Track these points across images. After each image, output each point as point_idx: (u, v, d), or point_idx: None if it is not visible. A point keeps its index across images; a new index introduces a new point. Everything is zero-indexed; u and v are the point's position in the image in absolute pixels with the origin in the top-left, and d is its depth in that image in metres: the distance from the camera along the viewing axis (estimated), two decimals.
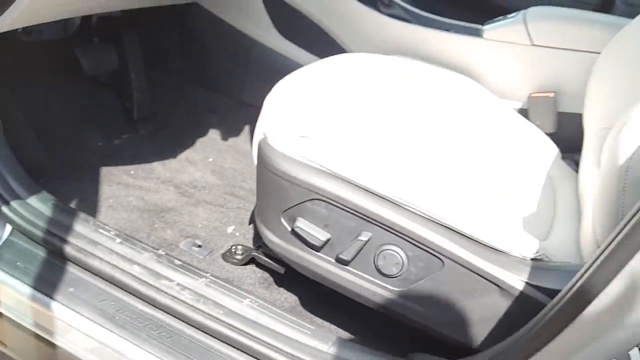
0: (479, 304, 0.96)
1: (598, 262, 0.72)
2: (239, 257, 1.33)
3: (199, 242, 1.39)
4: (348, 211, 1.00)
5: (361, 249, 1.02)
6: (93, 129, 1.76)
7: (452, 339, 1.01)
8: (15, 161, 1.29)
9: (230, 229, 1.46)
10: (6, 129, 1.32)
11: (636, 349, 0.70)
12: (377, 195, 0.99)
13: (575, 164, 1.34)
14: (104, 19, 1.81)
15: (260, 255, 1.29)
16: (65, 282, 1.13)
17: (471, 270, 0.95)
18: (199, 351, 1.04)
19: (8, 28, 1.16)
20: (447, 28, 1.67)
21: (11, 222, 1.20)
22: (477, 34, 1.58)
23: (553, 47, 1.48)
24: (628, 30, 1.28)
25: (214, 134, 1.86)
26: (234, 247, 1.36)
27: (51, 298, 1.11)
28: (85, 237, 1.18)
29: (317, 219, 1.04)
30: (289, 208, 1.06)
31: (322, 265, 1.07)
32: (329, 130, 1.10)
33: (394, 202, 0.99)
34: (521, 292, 0.93)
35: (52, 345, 1.12)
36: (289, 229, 1.07)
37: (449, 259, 0.96)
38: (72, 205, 1.43)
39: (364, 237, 1.01)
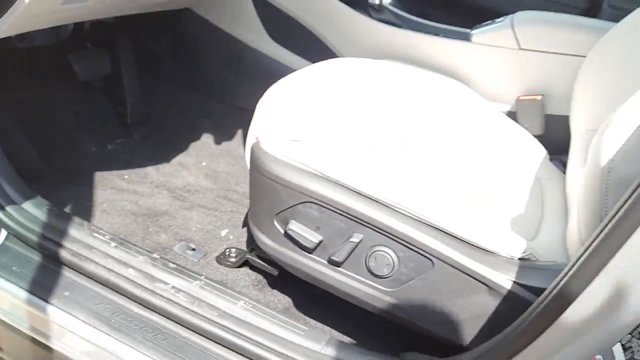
0: (468, 303, 0.98)
1: (581, 260, 0.74)
2: (232, 259, 1.34)
3: (193, 246, 1.41)
4: (339, 213, 1.02)
5: (353, 250, 1.04)
6: (87, 134, 1.77)
7: (443, 338, 1.03)
8: (10, 167, 1.30)
9: (224, 232, 1.47)
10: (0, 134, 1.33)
11: (619, 345, 0.73)
12: (368, 197, 1.01)
13: (562, 165, 1.37)
14: (97, 24, 1.82)
15: (253, 258, 1.31)
16: (60, 286, 1.15)
17: (460, 270, 0.97)
18: (194, 353, 1.06)
19: (3, 35, 1.17)
20: (437, 32, 1.70)
21: (6, 227, 1.21)
22: (466, 38, 1.61)
23: (540, 51, 1.51)
24: (612, 34, 1.31)
25: (207, 138, 1.87)
26: (227, 250, 1.37)
27: (47, 302, 1.12)
28: (80, 241, 1.19)
29: (310, 222, 1.06)
30: (281, 211, 1.08)
31: (315, 266, 1.09)
32: (321, 134, 1.12)
33: (384, 204, 1.01)
34: (509, 291, 0.95)
35: (48, 348, 1.13)
36: (282, 232, 1.09)
37: (439, 259, 0.98)
38: (67, 210, 1.44)
39: (355, 239, 1.03)
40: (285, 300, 1.27)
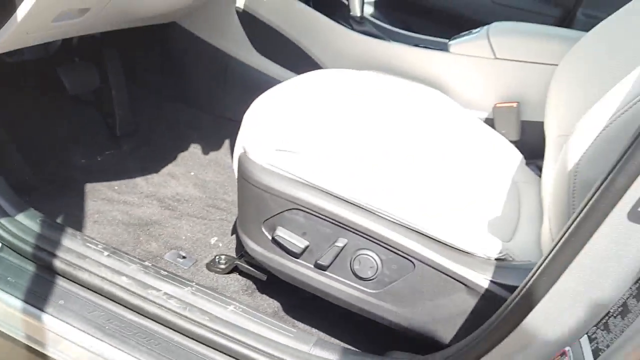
0: (448, 303, 1.03)
1: (549, 258, 0.79)
2: (222, 266, 1.38)
3: (183, 254, 1.44)
4: (324, 219, 1.07)
5: (338, 254, 1.08)
6: (76, 146, 1.81)
7: (425, 336, 1.08)
8: (2, 179, 1.33)
9: (213, 240, 1.51)
10: None
11: (586, 336, 0.78)
12: (351, 203, 1.06)
13: (538, 169, 1.43)
14: (85, 38, 1.86)
15: (243, 264, 1.35)
16: (55, 295, 1.18)
17: (440, 271, 1.02)
18: (187, 356, 1.09)
19: None
20: (417, 43, 1.75)
21: (0, 238, 1.24)
22: (445, 48, 1.67)
23: (515, 60, 1.57)
24: (582, 43, 1.37)
25: (195, 149, 1.91)
26: (217, 257, 1.41)
27: (42, 310, 1.15)
28: (74, 251, 1.22)
29: (296, 228, 1.10)
30: (269, 218, 1.12)
31: (302, 271, 1.13)
32: (306, 143, 1.17)
33: (367, 210, 1.05)
34: (486, 290, 1.00)
35: (44, 356, 1.16)
36: (270, 238, 1.13)
37: (419, 261, 1.03)
38: (59, 220, 1.47)
39: (340, 243, 1.07)
40: (274, 304, 1.31)
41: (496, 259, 1.03)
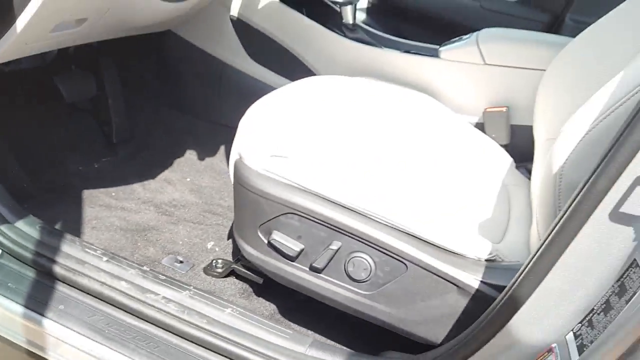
0: (440, 303, 1.06)
1: (535, 258, 0.82)
2: (219, 270, 1.41)
3: (180, 258, 1.46)
4: (319, 223, 1.09)
5: (332, 257, 1.10)
6: (73, 154, 1.82)
7: (418, 337, 1.10)
8: (1, 187, 1.35)
9: (210, 245, 1.53)
10: None
11: (571, 333, 0.81)
12: (345, 207, 1.08)
13: (528, 172, 1.46)
14: (81, 47, 1.87)
15: (239, 268, 1.37)
16: (55, 300, 1.20)
17: (432, 272, 1.05)
18: (185, 359, 1.11)
19: None
20: (408, 49, 1.79)
21: (1, 245, 1.26)
22: (435, 54, 1.70)
23: (504, 66, 1.61)
24: (569, 48, 1.40)
25: (191, 155, 1.94)
26: (214, 261, 1.43)
27: (43, 315, 1.17)
28: (73, 257, 1.25)
29: (291, 231, 1.13)
30: (264, 222, 1.14)
31: (298, 274, 1.15)
32: (300, 149, 1.20)
33: (360, 213, 1.08)
34: (477, 290, 1.03)
35: None
36: (266, 242, 1.16)
37: (412, 262, 1.05)
38: (57, 227, 1.49)
39: (334, 246, 1.10)
40: (271, 307, 1.34)
41: (486, 260, 1.06)
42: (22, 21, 1.13)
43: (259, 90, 1.58)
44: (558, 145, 0.93)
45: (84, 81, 1.86)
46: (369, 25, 2.05)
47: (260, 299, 1.36)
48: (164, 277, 1.24)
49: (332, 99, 1.42)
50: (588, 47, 1.32)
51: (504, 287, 0.98)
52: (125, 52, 1.94)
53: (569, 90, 1.25)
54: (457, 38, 1.73)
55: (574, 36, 1.41)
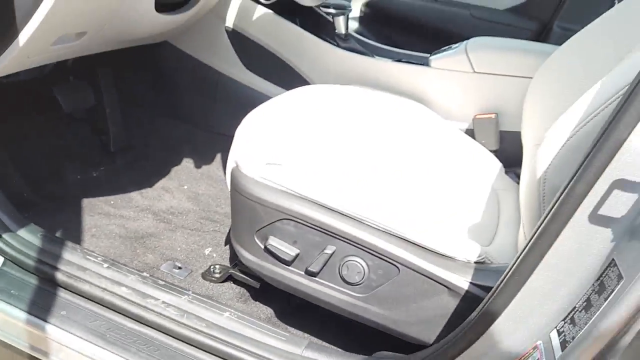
0: (431, 304, 1.10)
1: (519, 260, 0.86)
2: (217, 275, 1.44)
3: (179, 264, 1.50)
4: (314, 228, 1.13)
5: (327, 261, 1.14)
6: (72, 163, 1.85)
7: (410, 337, 1.14)
8: (4, 197, 1.38)
9: (207, 251, 1.57)
10: None
11: (555, 330, 0.84)
12: (338, 213, 1.12)
13: (517, 177, 1.49)
14: (79, 58, 1.91)
15: (237, 272, 1.41)
16: (57, 306, 1.23)
17: (423, 275, 1.08)
18: None
19: None
20: (400, 58, 1.83)
21: (3, 253, 1.29)
22: (426, 63, 1.74)
23: (492, 74, 1.65)
24: (555, 56, 1.45)
25: (187, 163, 1.97)
26: (212, 267, 1.47)
27: (45, 321, 1.20)
28: (75, 263, 1.28)
29: (287, 237, 1.16)
30: (261, 228, 1.18)
31: (294, 278, 1.19)
32: (295, 157, 1.23)
33: (353, 218, 1.12)
34: (467, 291, 1.07)
35: None
36: (262, 247, 1.19)
37: (404, 265, 1.09)
38: (58, 235, 1.52)
39: (329, 251, 1.13)
40: (268, 311, 1.37)
41: (475, 262, 1.10)
42: (24, 35, 1.16)
43: (255, 99, 1.62)
44: (542, 151, 0.97)
45: (81, 92, 1.89)
46: (362, 34, 2.09)
47: (258, 303, 1.39)
48: (164, 283, 1.27)
49: (326, 108, 1.46)
50: (573, 55, 1.36)
51: (492, 287, 1.02)
52: (122, 63, 1.98)
53: (554, 97, 1.29)
54: (447, 47, 1.77)
55: (561, 44, 1.46)
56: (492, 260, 1.11)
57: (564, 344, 0.80)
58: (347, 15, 1.84)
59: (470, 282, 1.07)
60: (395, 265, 1.10)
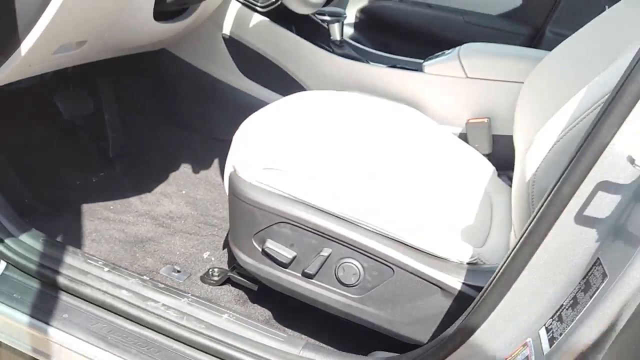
0: (425, 304, 1.12)
1: (509, 259, 0.89)
2: (215, 278, 1.46)
3: (178, 268, 1.52)
4: (310, 231, 1.16)
5: (323, 263, 1.16)
6: (72, 169, 1.88)
7: (405, 337, 1.16)
8: (6, 202, 1.41)
9: (205, 255, 1.59)
10: None
11: (544, 328, 0.87)
12: (334, 215, 1.15)
13: (509, 180, 1.52)
14: (78, 66, 1.94)
15: (235, 275, 1.43)
16: (59, 309, 1.25)
17: (417, 276, 1.11)
18: None
19: (0, 84, 1.30)
20: (394, 64, 1.86)
21: (6, 258, 1.32)
22: (419, 69, 1.78)
23: (485, 79, 1.68)
24: (546, 61, 1.47)
25: (186, 168, 2.00)
26: (210, 270, 1.49)
27: (47, 324, 1.22)
28: (76, 267, 1.30)
29: (284, 240, 1.19)
30: (258, 231, 1.20)
31: (291, 280, 1.21)
32: (292, 162, 1.26)
33: (349, 221, 1.14)
34: (459, 292, 1.09)
35: None
36: (260, 250, 1.21)
37: (398, 267, 1.12)
38: (59, 240, 1.54)
39: (325, 253, 1.16)
40: (266, 313, 1.40)
41: (468, 263, 1.12)
42: (26, 44, 1.19)
43: (252, 105, 1.65)
44: (530, 154, 1.00)
45: (81, 99, 1.92)
46: (357, 40, 2.13)
47: (256, 305, 1.41)
48: (163, 286, 1.29)
49: (322, 113, 1.49)
50: (563, 61, 1.39)
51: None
52: (121, 70, 2.00)
53: (544, 101, 1.32)
54: (440, 52, 1.80)
55: (553, 49, 1.49)
56: (484, 261, 1.14)
57: (552, 341, 0.83)
58: (342, 22, 1.87)
59: (463, 283, 1.10)
60: (389, 267, 1.13)
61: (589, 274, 0.82)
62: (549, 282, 0.86)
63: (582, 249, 0.83)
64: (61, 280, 1.28)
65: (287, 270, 1.21)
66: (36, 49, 1.22)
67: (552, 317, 0.86)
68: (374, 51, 1.96)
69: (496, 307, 0.91)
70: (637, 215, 0.78)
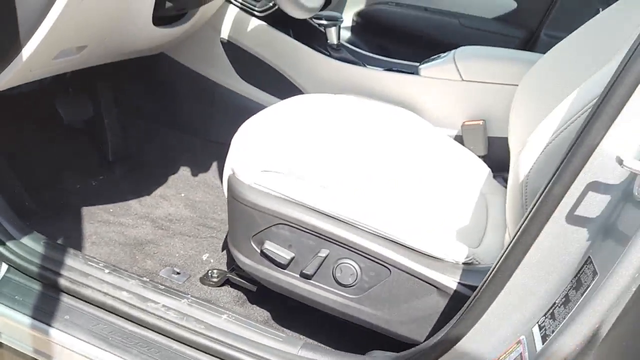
0: (421, 304, 1.14)
1: (502, 259, 0.91)
2: (215, 279, 1.48)
3: (177, 270, 1.54)
4: (308, 232, 1.17)
5: (321, 264, 1.18)
6: (71, 173, 1.89)
7: (402, 336, 1.18)
8: (7, 206, 1.42)
9: (205, 257, 1.61)
10: None
11: (537, 326, 0.89)
12: (331, 217, 1.17)
13: (504, 181, 1.55)
14: (78, 70, 1.96)
15: (234, 276, 1.45)
16: (61, 310, 1.27)
17: (413, 276, 1.13)
18: None
19: (1, 89, 1.31)
20: (390, 67, 1.88)
21: (7, 260, 1.33)
22: (415, 72, 1.80)
23: (480, 82, 1.70)
24: (539, 64, 1.49)
25: (184, 171, 2.01)
26: (210, 271, 1.51)
27: (49, 325, 1.24)
28: (77, 269, 1.32)
29: (282, 241, 1.20)
30: (257, 233, 1.22)
31: (289, 280, 1.23)
32: (290, 164, 1.28)
33: (346, 222, 1.16)
34: (455, 291, 1.11)
35: None
36: (258, 251, 1.23)
37: (395, 267, 1.14)
38: (59, 243, 1.56)
39: (323, 254, 1.18)
40: (264, 313, 1.41)
41: (464, 263, 1.14)
42: (28, 50, 1.21)
43: (250, 108, 1.67)
44: (523, 156, 1.03)
45: (81, 103, 1.94)
46: (354, 44, 2.15)
47: (254, 305, 1.43)
48: (163, 287, 1.31)
49: (320, 116, 1.51)
50: (556, 63, 1.41)
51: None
52: (120, 74, 2.02)
53: (537, 104, 1.34)
54: (435, 56, 1.82)
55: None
56: (479, 261, 1.16)
57: (544, 338, 0.85)
58: (339, 26, 1.89)
59: (459, 282, 1.11)
60: (386, 267, 1.15)
61: (581, 272, 0.83)
62: (541, 281, 0.88)
63: (573, 247, 0.85)
64: (62, 282, 1.29)
65: (285, 271, 1.23)
66: (37, 54, 1.24)
67: (544, 315, 0.88)
68: (370, 54, 1.99)
69: (490, 306, 0.93)
70: (626, 214, 0.80)
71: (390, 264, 1.14)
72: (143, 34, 1.57)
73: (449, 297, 1.12)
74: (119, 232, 1.67)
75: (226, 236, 1.63)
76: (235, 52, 2.00)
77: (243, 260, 1.27)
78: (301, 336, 1.35)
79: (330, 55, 1.89)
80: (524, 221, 0.88)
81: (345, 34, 2.65)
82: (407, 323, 1.17)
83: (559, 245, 0.86)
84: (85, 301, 1.28)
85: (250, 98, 2.00)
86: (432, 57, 1.83)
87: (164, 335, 1.22)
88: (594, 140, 0.80)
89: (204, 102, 2.08)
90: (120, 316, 1.25)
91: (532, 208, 0.87)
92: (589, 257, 0.83)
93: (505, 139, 1.54)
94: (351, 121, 1.52)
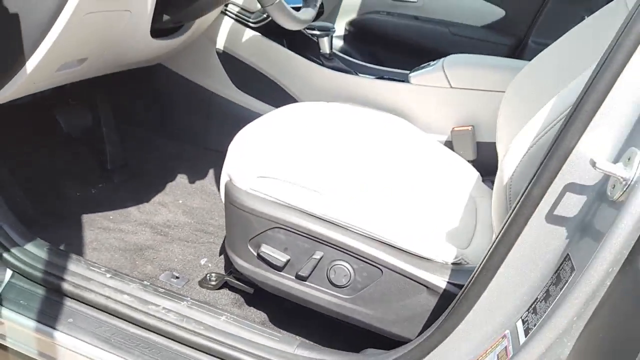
0: (412, 303, 1.19)
1: (487, 257, 0.96)
2: (213, 282, 1.52)
3: (176, 274, 1.58)
4: (303, 235, 1.22)
5: (316, 265, 1.22)
6: (71, 181, 1.93)
7: (394, 335, 1.23)
8: (11, 213, 1.46)
9: (203, 261, 1.65)
10: None
11: (520, 320, 0.94)
12: (325, 220, 1.21)
13: (493, 185, 1.60)
14: (77, 81, 2.01)
15: (232, 279, 1.49)
16: (64, 314, 1.31)
17: (404, 276, 1.17)
18: None
19: (5, 100, 1.36)
20: (381, 75, 1.94)
21: (12, 266, 1.37)
22: (406, 79, 1.85)
23: (468, 89, 1.76)
24: (525, 71, 1.55)
25: (182, 179, 2.06)
26: (208, 275, 1.55)
27: (53, 328, 1.28)
28: (79, 274, 1.36)
29: (278, 244, 1.25)
30: (254, 237, 1.26)
31: (285, 282, 1.27)
32: (285, 170, 1.32)
33: (339, 225, 1.21)
34: (445, 290, 1.16)
35: None
36: (255, 255, 1.27)
37: (386, 268, 1.18)
38: (61, 249, 1.60)
39: (317, 256, 1.22)
40: (262, 315, 1.46)
41: (453, 264, 1.19)
42: (31, 63, 1.25)
43: (246, 116, 1.72)
44: (507, 160, 1.07)
45: (80, 113, 1.98)
46: (346, 52, 2.21)
47: (252, 307, 1.47)
48: (164, 290, 1.35)
49: (313, 124, 1.55)
50: (540, 70, 1.46)
51: None
52: (118, 85, 2.07)
53: (523, 109, 1.39)
54: (425, 64, 1.88)
55: None
56: (468, 261, 1.20)
57: (527, 331, 0.90)
58: (331, 36, 1.94)
59: (448, 282, 1.16)
60: (378, 268, 1.19)
61: (560, 268, 0.88)
62: (524, 277, 0.93)
63: (553, 246, 0.90)
64: (66, 286, 1.33)
65: (281, 273, 1.27)
66: (40, 67, 1.28)
67: (527, 310, 0.92)
68: (362, 63, 2.04)
69: (476, 303, 0.97)
70: (601, 213, 0.85)
71: (382, 265, 1.19)
72: (141, 46, 1.62)
73: (439, 296, 1.17)
74: (119, 238, 1.71)
75: (223, 241, 1.67)
76: (231, 62, 2.05)
77: (240, 263, 1.31)
78: (297, 336, 1.39)
79: (323, 65, 1.94)
80: (506, 221, 0.93)
81: (338, 43, 2.71)
82: (399, 321, 1.21)
83: (540, 243, 0.90)
84: (88, 305, 1.32)
85: (246, 107, 2.05)
86: (422, 65, 1.88)
87: (164, 336, 1.26)
88: (569, 144, 0.85)
89: (201, 111, 2.13)
90: (122, 319, 1.29)
91: (514, 209, 0.92)
92: (568, 254, 0.88)
93: (494, 144, 1.59)
94: (344, 128, 1.57)
